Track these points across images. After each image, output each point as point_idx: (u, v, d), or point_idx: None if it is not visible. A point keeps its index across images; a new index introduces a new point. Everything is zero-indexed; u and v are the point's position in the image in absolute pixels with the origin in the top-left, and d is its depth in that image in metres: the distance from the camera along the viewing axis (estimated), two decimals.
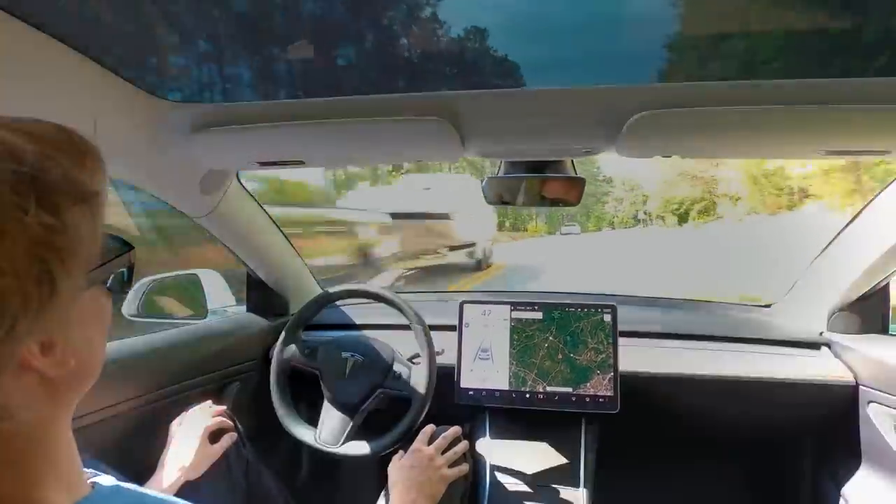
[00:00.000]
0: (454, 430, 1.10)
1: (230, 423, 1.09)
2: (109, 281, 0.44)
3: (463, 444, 1.08)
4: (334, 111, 0.86)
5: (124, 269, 0.46)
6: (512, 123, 0.91)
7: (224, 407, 1.11)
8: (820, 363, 1.30)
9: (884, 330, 1.31)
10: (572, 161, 1.12)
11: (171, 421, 1.05)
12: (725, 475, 1.55)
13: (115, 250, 0.44)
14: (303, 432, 1.22)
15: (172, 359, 1.21)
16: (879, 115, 0.74)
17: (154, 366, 1.16)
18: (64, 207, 0.35)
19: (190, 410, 1.07)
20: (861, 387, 1.22)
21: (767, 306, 1.64)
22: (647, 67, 0.70)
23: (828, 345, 1.35)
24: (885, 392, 1.14)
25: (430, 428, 1.09)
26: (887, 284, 1.26)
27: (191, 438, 1.00)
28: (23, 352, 0.34)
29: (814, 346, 1.36)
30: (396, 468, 1.00)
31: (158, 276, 1.51)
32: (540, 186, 1.12)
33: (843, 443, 1.30)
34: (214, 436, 1.05)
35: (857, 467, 1.28)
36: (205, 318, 1.50)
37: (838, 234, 1.27)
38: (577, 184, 1.11)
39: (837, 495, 1.29)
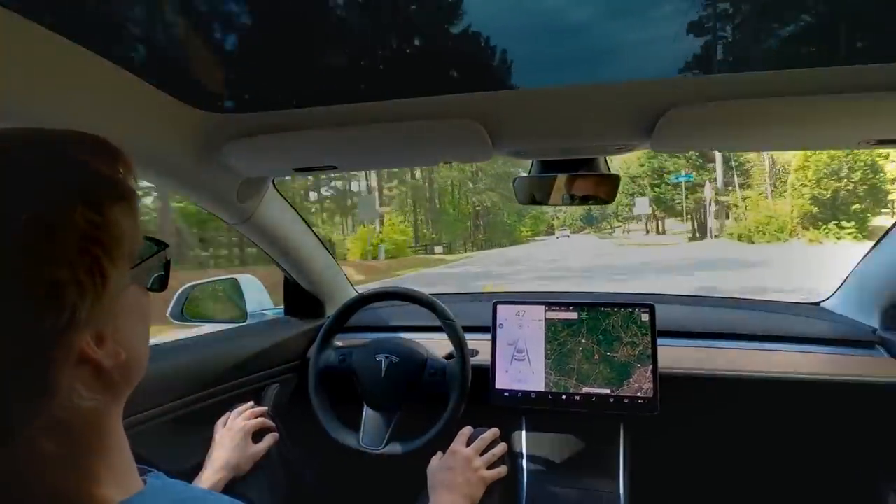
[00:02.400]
0: (492, 431, 1.10)
1: (272, 423, 1.12)
2: (150, 281, 0.47)
3: (501, 447, 1.08)
4: (365, 116, 0.87)
5: (162, 271, 0.49)
6: (542, 122, 0.90)
7: (265, 408, 1.15)
8: (875, 362, 1.23)
9: None
10: (605, 158, 1.10)
11: (215, 421, 1.09)
12: (774, 481, 1.48)
13: (152, 249, 0.47)
14: (345, 437, 1.24)
15: (214, 361, 1.24)
16: None
17: (197, 368, 1.20)
18: (106, 205, 0.39)
19: (233, 411, 1.11)
20: None
21: (816, 304, 1.57)
22: (679, 59, 0.68)
23: (882, 343, 1.28)
24: None
25: (467, 429, 1.10)
26: None
27: (235, 438, 1.03)
28: (81, 342, 0.37)
29: (867, 344, 1.29)
30: (435, 470, 1.01)
31: (199, 281, 1.56)
32: (572, 185, 1.11)
33: None
34: (257, 436, 1.08)
35: None
36: (244, 321, 1.54)
37: (890, 228, 1.21)
38: (611, 181, 1.10)
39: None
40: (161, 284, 0.50)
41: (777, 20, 0.60)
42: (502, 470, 1.03)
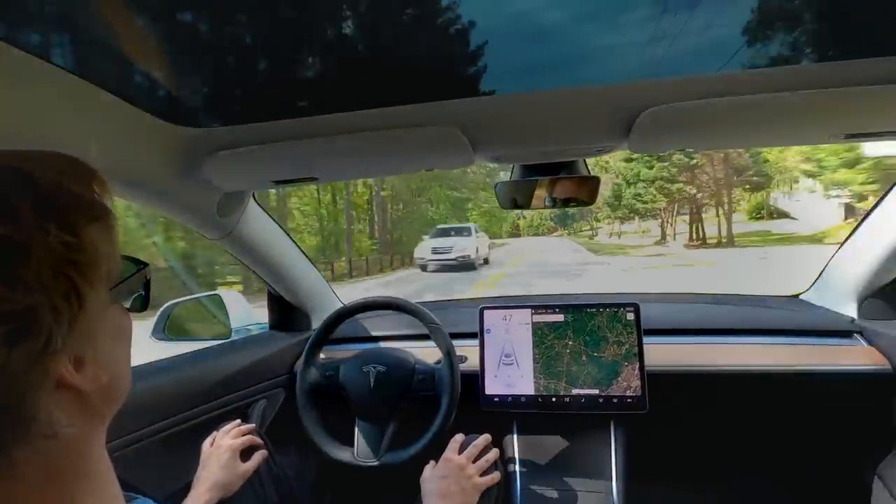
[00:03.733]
0: (484, 438, 1.09)
1: (260, 441, 1.11)
2: (130, 301, 0.46)
3: (494, 452, 1.07)
4: (344, 125, 0.87)
5: (142, 291, 0.48)
6: (521, 127, 0.90)
7: (253, 425, 1.13)
8: (854, 351, 1.26)
9: None
10: (584, 160, 1.11)
11: (202, 441, 1.06)
12: (761, 471, 1.51)
13: (131, 269, 0.46)
14: (340, 452, 1.22)
15: (199, 380, 1.22)
16: None
17: (181, 387, 1.17)
18: (81, 226, 0.37)
19: (220, 430, 1.09)
20: None
21: (795, 296, 1.60)
22: (654, 61, 0.69)
23: (860, 332, 1.31)
24: None
25: (459, 437, 1.09)
26: None
27: (222, 458, 1.01)
28: (59, 368, 0.36)
29: (846, 334, 1.32)
30: (429, 479, 1.00)
31: (181, 298, 1.54)
32: (553, 188, 1.12)
33: (882, 433, 1.26)
34: (245, 454, 1.06)
35: None
36: (228, 337, 1.52)
37: (863, 219, 1.24)
38: (591, 182, 1.11)
39: (881, 487, 1.24)
40: (142, 304, 0.49)
41: (747, 21, 0.62)
42: (496, 476, 1.03)
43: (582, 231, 57.28)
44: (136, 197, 0.97)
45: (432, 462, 1.04)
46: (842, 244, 1.34)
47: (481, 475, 1.02)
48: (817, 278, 1.51)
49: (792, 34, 0.64)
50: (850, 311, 1.36)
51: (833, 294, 1.43)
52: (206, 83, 0.77)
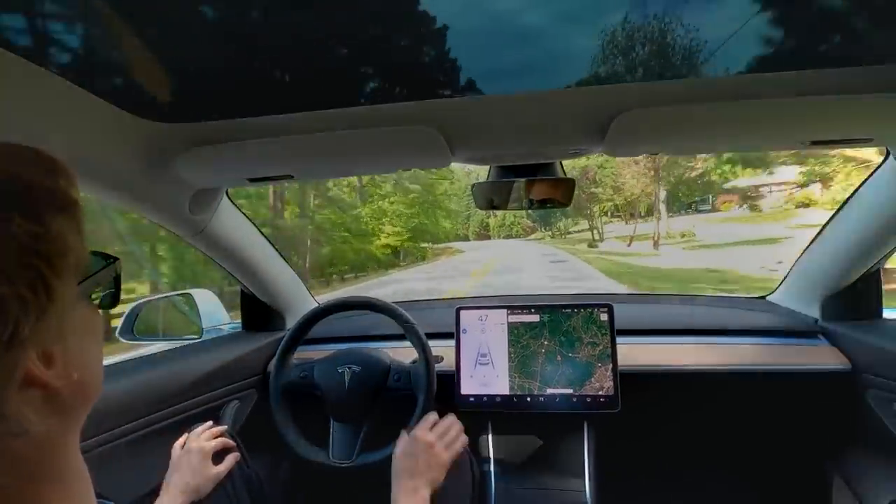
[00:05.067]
0: (450, 416, 1.10)
1: (232, 442, 1.09)
2: (100, 297, 0.45)
3: (458, 427, 1.07)
4: (321, 123, 0.86)
5: (112, 286, 0.47)
6: (499, 128, 0.91)
7: (225, 427, 1.11)
8: (816, 352, 1.31)
9: (877, 315, 1.32)
10: (560, 162, 1.13)
11: (172, 444, 1.04)
12: (730, 469, 1.55)
13: (101, 263, 0.45)
14: (314, 453, 1.20)
15: (168, 380, 1.19)
16: (861, 103, 0.75)
17: (150, 388, 1.14)
18: (48, 216, 0.36)
19: (191, 432, 1.06)
20: (859, 373, 1.22)
21: (762, 297, 1.65)
22: (630, 65, 0.71)
23: (823, 333, 1.36)
24: (882, 377, 1.15)
25: (432, 416, 1.09)
26: (878, 270, 1.27)
27: (193, 460, 0.99)
28: (27, 363, 0.35)
29: (810, 334, 1.37)
30: (399, 455, 1.00)
31: (150, 297, 1.50)
32: (529, 189, 1.12)
33: (844, 430, 1.31)
34: (217, 456, 1.04)
35: (859, 454, 1.28)
36: (199, 337, 1.49)
37: (826, 223, 1.29)
38: (567, 184, 1.12)
39: (841, 483, 1.29)
40: (112, 301, 0.47)
41: (722, 29, 0.63)
42: (458, 447, 1.04)
43: (569, 234, 42.15)
44: (104, 194, 0.94)
45: (404, 433, 1.04)
46: (807, 247, 1.39)
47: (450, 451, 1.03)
48: (783, 280, 1.55)
49: (762, 44, 0.66)
50: (814, 312, 1.40)
51: (798, 295, 1.47)
52: (179, 78, 0.75)
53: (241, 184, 1.10)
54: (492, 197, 1.16)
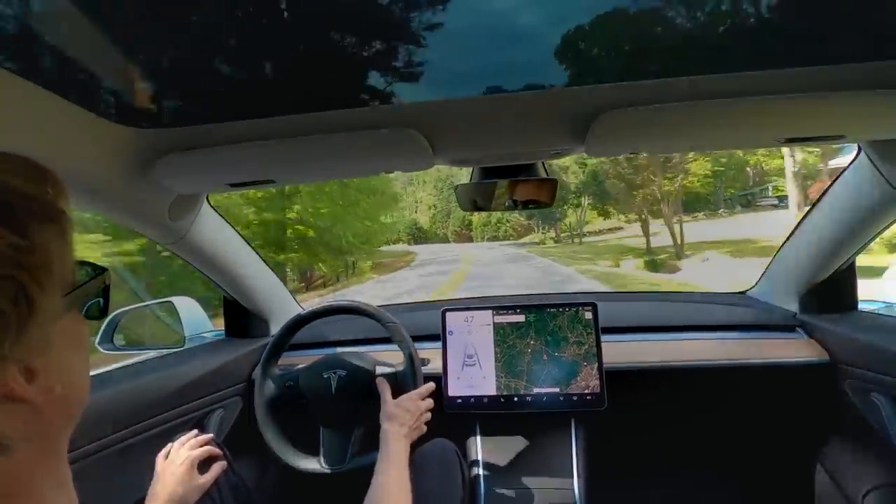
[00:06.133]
0: (427, 385, 1.15)
1: (218, 451, 1.07)
2: (86, 307, 0.44)
3: (428, 402, 1.13)
4: (302, 127, 0.85)
5: (101, 296, 0.46)
6: (481, 129, 0.91)
7: (211, 435, 1.09)
8: (795, 344, 1.33)
9: (853, 307, 1.35)
10: (543, 163, 1.13)
11: (155, 454, 1.02)
12: (715, 462, 1.57)
13: (89, 274, 0.44)
14: (306, 463, 1.19)
15: (151, 390, 1.17)
16: (833, 100, 0.77)
17: (132, 398, 1.12)
18: (32, 227, 0.35)
19: (176, 441, 1.05)
20: (836, 364, 1.25)
21: (742, 293, 1.68)
22: (610, 66, 0.72)
23: (801, 326, 1.38)
24: (859, 368, 1.18)
25: (427, 388, 1.14)
26: (853, 263, 1.30)
27: (179, 470, 0.97)
28: (8, 380, 0.34)
29: (788, 328, 1.40)
30: (392, 406, 1.07)
31: (131, 306, 1.47)
32: (512, 190, 1.13)
33: (824, 421, 1.33)
34: (203, 465, 1.02)
35: (839, 444, 1.31)
36: (182, 345, 1.47)
37: (803, 219, 1.31)
38: (549, 184, 1.13)
39: (823, 473, 1.32)
40: (100, 311, 0.46)
41: (698, 29, 0.65)
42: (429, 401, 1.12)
43: (588, 236, 31.23)
44: (81, 201, 0.92)
45: (389, 400, 1.10)
46: (784, 242, 1.41)
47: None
48: (762, 275, 1.58)
49: (739, 44, 0.68)
50: (793, 305, 1.43)
51: (776, 290, 1.50)
52: (157, 83, 0.74)
53: (222, 189, 1.09)
54: (475, 198, 1.17)
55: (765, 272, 1.57)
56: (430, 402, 1.13)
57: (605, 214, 28.81)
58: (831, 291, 1.35)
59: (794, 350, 1.32)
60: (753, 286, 1.64)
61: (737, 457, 1.55)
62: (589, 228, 33.05)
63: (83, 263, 0.43)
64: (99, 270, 0.45)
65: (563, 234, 34.61)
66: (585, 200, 28.44)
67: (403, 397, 1.10)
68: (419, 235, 60.21)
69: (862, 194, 1.09)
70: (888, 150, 0.96)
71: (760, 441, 1.51)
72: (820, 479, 1.33)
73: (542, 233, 38.72)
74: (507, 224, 46.74)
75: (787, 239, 1.40)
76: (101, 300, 0.46)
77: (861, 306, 1.36)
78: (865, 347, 1.16)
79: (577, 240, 31.31)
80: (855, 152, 1.08)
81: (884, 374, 1.11)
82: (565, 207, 30.02)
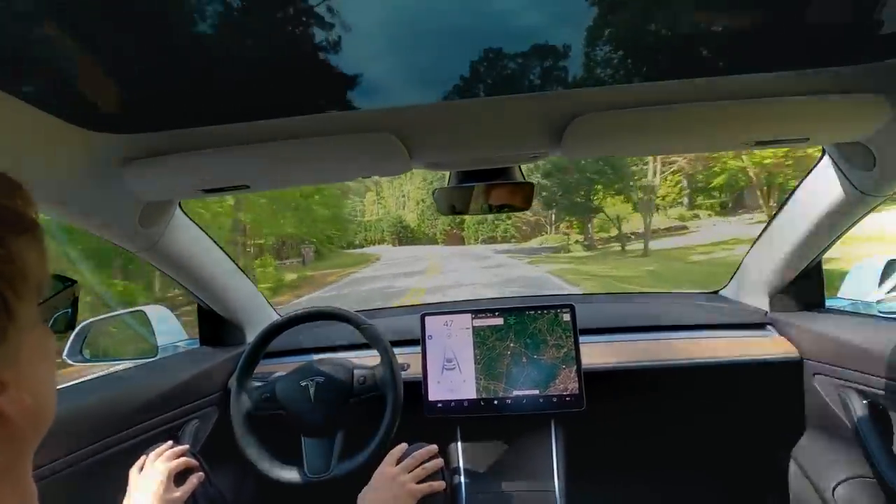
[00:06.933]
0: (428, 449, 1.08)
1: (194, 462, 1.04)
2: (53, 320, 0.44)
3: (435, 462, 1.06)
4: (277, 132, 0.84)
5: (68, 309, 0.46)
6: (457, 134, 0.91)
7: (186, 446, 1.06)
8: (766, 342, 1.37)
9: (821, 305, 1.39)
10: (519, 167, 1.14)
11: (129, 468, 0.99)
12: (692, 458, 1.60)
13: (58, 287, 0.44)
14: (288, 474, 1.16)
15: (122, 402, 1.14)
16: (798, 105, 0.80)
17: (103, 412, 1.09)
18: (8, 238, 0.36)
19: (150, 453, 1.02)
20: (806, 361, 1.29)
21: (715, 292, 1.71)
22: (585, 71, 0.72)
23: (772, 324, 1.42)
24: (828, 364, 1.21)
25: (397, 449, 1.08)
26: (820, 262, 1.34)
27: (153, 483, 0.95)
28: None
29: (759, 326, 1.43)
30: (364, 494, 0.98)
31: (99, 317, 1.43)
32: (489, 194, 1.13)
33: (795, 416, 1.37)
34: (179, 478, 1.00)
35: (810, 438, 1.35)
36: (155, 355, 1.43)
37: (772, 219, 1.35)
38: (526, 188, 1.13)
39: (796, 467, 1.35)
40: (67, 324, 0.46)
41: (672, 35, 0.66)
42: (435, 484, 1.02)
43: (631, 240, 20.73)
44: (46, 208, 0.89)
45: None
46: (754, 242, 1.45)
47: (423, 482, 1.01)
48: (734, 275, 1.62)
49: (711, 50, 0.69)
50: (763, 304, 1.47)
51: (748, 289, 1.54)
52: (126, 87, 0.72)
53: (195, 195, 1.06)
54: (453, 202, 1.17)
55: (736, 271, 1.61)
56: (414, 460, 1.05)
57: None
58: (800, 290, 1.39)
59: (765, 347, 1.35)
60: (725, 285, 1.68)
61: (713, 453, 1.58)
62: (628, 228, 21.92)
63: (52, 276, 0.42)
64: (68, 282, 0.45)
65: (599, 236, 22.92)
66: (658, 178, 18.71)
67: (374, 475, 1.02)
68: (405, 235, 55.54)
69: (827, 195, 1.12)
70: (850, 153, 0.99)
71: (735, 437, 1.54)
72: (793, 473, 1.36)
73: (563, 234, 26.57)
74: (508, 221, 36.16)
75: (757, 239, 1.43)
76: (69, 311, 0.46)
77: (828, 304, 1.40)
78: (833, 344, 1.20)
79: (627, 247, 20.09)
80: (820, 155, 1.11)
81: (850, 369, 1.14)
82: (599, 188, 19.97)
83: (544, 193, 20.82)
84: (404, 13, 0.61)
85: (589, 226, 23.29)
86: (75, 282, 0.46)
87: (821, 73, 0.74)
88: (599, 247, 22.38)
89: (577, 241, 24.04)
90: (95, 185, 0.89)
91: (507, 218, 34.75)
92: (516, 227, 35.37)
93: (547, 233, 31.12)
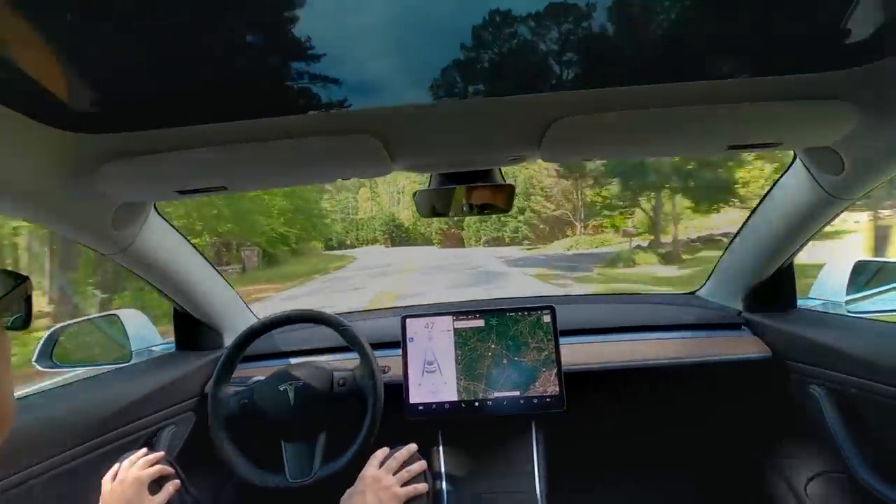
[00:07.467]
0: (408, 448, 1.08)
1: (170, 469, 1.02)
2: (10, 320, 0.42)
3: (420, 464, 1.06)
4: (255, 133, 0.83)
5: (23, 307, 0.44)
6: (438, 136, 0.91)
7: (161, 453, 1.04)
8: (741, 342, 1.39)
9: (793, 305, 1.43)
10: (500, 169, 1.15)
11: (101, 475, 0.97)
12: (670, 457, 1.62)
13: (10, 284, 0.42)
14: (271, 479, 1.15)
15: (94, 408, 1.11)
16: (772, 110, 0.82)
17: (75, 418, 1.06)
18: None
19: (124, 461, 0.99)
20: (779, 360, 1.32)
21: (692, 293, 1.74)
22: (564, 74, 0.73)
23: (746, 324, 1.45)
24: (799, 362, 1.24)
25: (380, 452, 1.07)
26: (792, 263, 1.37)
27: (128, 492, 0.92)
28: None
29: (734, 326, 1.46)
30: (345, 498, 0.98)
31: (70, 322, 1.39)
32: (470, 196, 1.14)
33: (769, 413, 1.40)
34: (154, 486, 0.97)
35: (784, 436, 1.38)
36: (129, 360, 1.40)
37: (746, 221, 1.38)
38: (506, 190, 1.14)
39: (771, 464, 1.38)
40: (23, 322, 0.44)
41: (650, 41, 0.67)
42: (419, 486, 1.02)
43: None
44: (16, 210, 0.87)
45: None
46: (728, 244, 1.48)
47: (407, 485, 1.01)
48: (710, 276, 1.65)
49: (686, 55, 0.71)
50: (738, 304, 1.50)
51: (723, 290, 1.57)
52: (100, 85, 0.70)
53: (170, 196, 1.04)
54: (433, 204, 1.17)
55: (712, 273, 1.64)
56: (396, 462, 1.06)
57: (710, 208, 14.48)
58: (773, 290, 1.42)
59: (739, 347, 1.38)
60: (702, 286, 1.71)
61: (690, 451, 1.61)
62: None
63: (4, 272, 0.40)
64: (20, 279, 0.43)
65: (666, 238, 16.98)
66: None
67: (357, 481, 1.02)
68: (398, 235, 50.61)
69: (798, 198, 1.15)
70: (820, 158, 1.02)
71: (712, 435, 1.57)
72: (769, 470, 1.39)
73: (587, 235, 19.91)
74: (519, 218, 26.84)
75: (732, 240, 1.46)
76: (24, 310, 0.44)
77: (800, 303, 1.43)
78: (804, 342, 1.23)
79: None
80: (792, 159, 1.14)
81: (821, 367, 1.17)
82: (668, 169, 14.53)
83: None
84: (384, 15, 0.60)
85: (658, 222, 15.31)
86: (27, 278, 0.44)
87: (792, 79, 0.76)
88: (686, 257, 15.08)
89: (638, 247, 16.56)
90: (66, 187, 0.86)
91: (520, 213, 25.95)
92: (530, 226, 25.61)
93: (574, 233, 22.20)
